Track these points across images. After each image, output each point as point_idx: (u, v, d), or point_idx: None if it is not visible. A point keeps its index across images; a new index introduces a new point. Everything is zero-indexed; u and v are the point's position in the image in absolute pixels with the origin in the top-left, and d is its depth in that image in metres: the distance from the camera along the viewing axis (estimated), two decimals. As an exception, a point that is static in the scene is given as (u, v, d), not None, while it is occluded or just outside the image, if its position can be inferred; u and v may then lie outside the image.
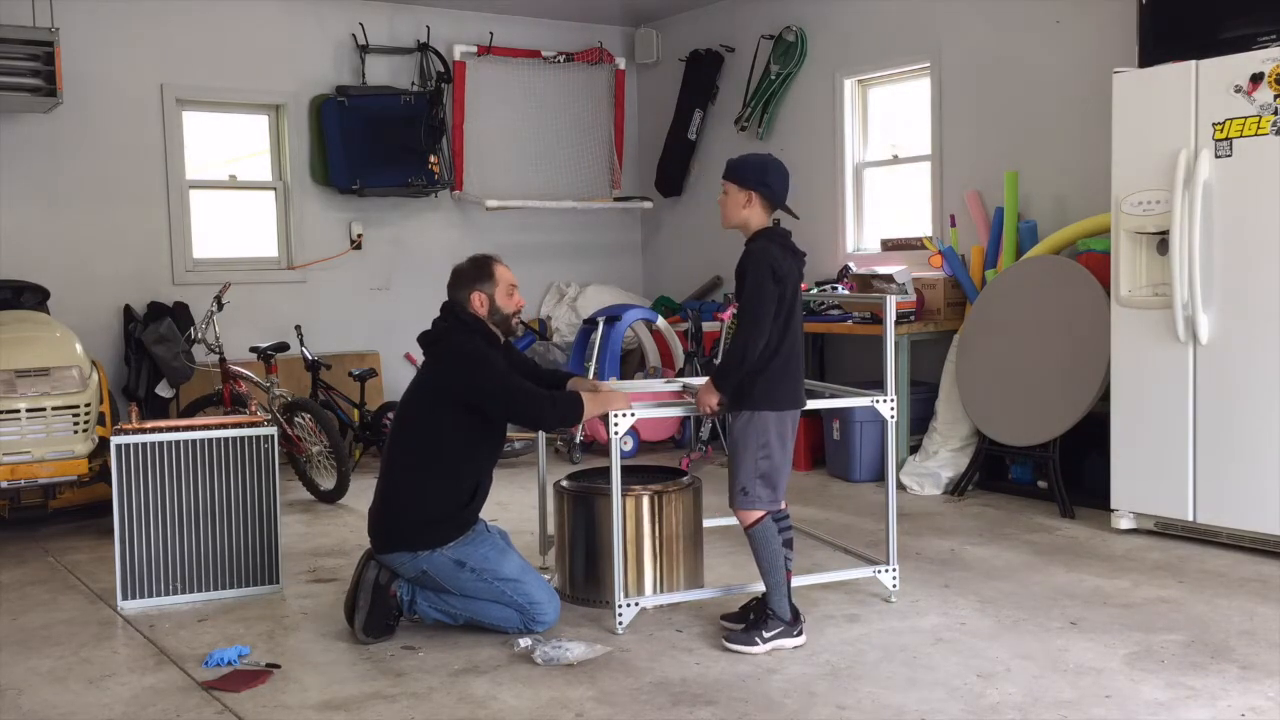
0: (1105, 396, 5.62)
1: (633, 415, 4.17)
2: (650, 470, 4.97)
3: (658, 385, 5.86)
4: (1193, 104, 5.07)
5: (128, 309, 7.69)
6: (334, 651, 4.07)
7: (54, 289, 7.09)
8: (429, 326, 4.35)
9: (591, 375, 7.77)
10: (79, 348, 6.12)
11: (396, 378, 8.63)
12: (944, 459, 6.55)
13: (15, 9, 7.08)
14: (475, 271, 4.30)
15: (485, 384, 4.15)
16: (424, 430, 4.19)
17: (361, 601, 4.10)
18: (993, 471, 6.48)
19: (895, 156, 8.02)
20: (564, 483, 4.71)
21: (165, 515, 4.67)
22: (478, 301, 4.26)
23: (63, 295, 7.19)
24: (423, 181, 8.43)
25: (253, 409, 6.50)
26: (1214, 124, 5.00)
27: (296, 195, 8.36)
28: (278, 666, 3.90)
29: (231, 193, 8.39)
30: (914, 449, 6.80)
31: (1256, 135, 4.87)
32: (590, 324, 8.15)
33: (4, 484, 5.63)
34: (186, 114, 8.04)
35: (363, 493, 6.77)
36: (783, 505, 4.16)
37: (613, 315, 8.15)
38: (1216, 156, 5.00)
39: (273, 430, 4.84)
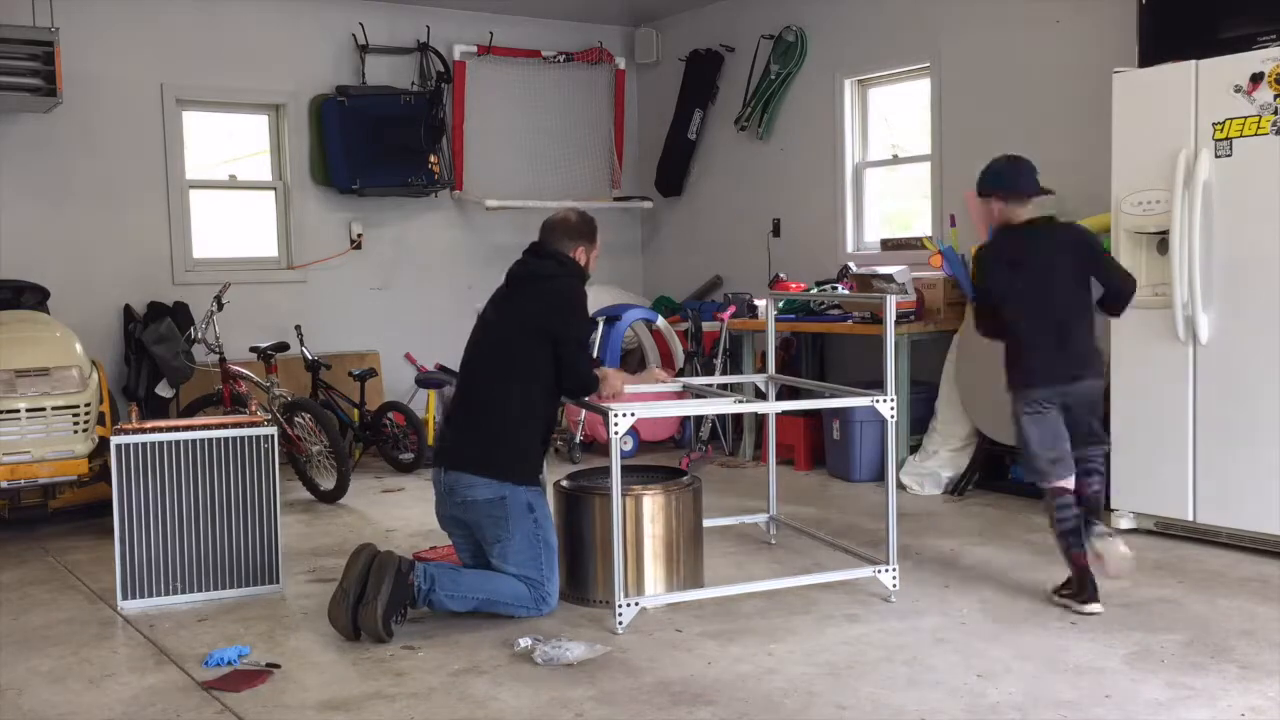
0: (1105, 396, 5.61)
1: (633, 415, 4.17)
2: (650, 470, 4.97)
3: (658, 386, 5.86)
4: (1193, 104, 5.07)
5: (128, 309, 7.69)
6: (334, 651, 4.07)
7: (54, 289, 7.09)
8: (518, 261, 4.52)
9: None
10: (79, 348, 6.12)
11: (396, 378, 8.64)
12: (944, 459, 6.55)
13: (15, 9, 7.08)
14: (587, 228, 4.57)
15: (575, 332, 4.40)
16: (521, 350, 4.34)
17: (384, 589, 4.06)
18: (993, 471, 6.48)
19: (895, 156, 8.02)
20: (564, 483, 4.71)
21: (165, 515, 4.67)
22: (581, 255, 4.53)
23: (63, 295, 7.18)
24: (423, 181, 8.44)
25: (253, 409, 6.49)
26: (1214, 124, 5.00)
27: (296, 195, 8.37)
28: (278, 666, 3.90)
29: (231, 193, 8.40)
30: (914, 449, 6.80)
31: (1256, 135, 4.87)
32: (590, 323, 8.14)
33: (4, 484, 5.63)
34: (186, 114, 8.05)
35: (363, 493, 6.80)
36: None
37: (613, 315, 8.15)
38: (1216, 156, 5.00)
39: (273, 430, 4.84)
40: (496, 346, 4.43)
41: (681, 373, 8.02)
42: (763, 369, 6.03)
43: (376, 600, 4.05)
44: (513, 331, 4.39)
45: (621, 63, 9.55)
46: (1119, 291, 4.44)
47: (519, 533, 4.27)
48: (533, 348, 4.34)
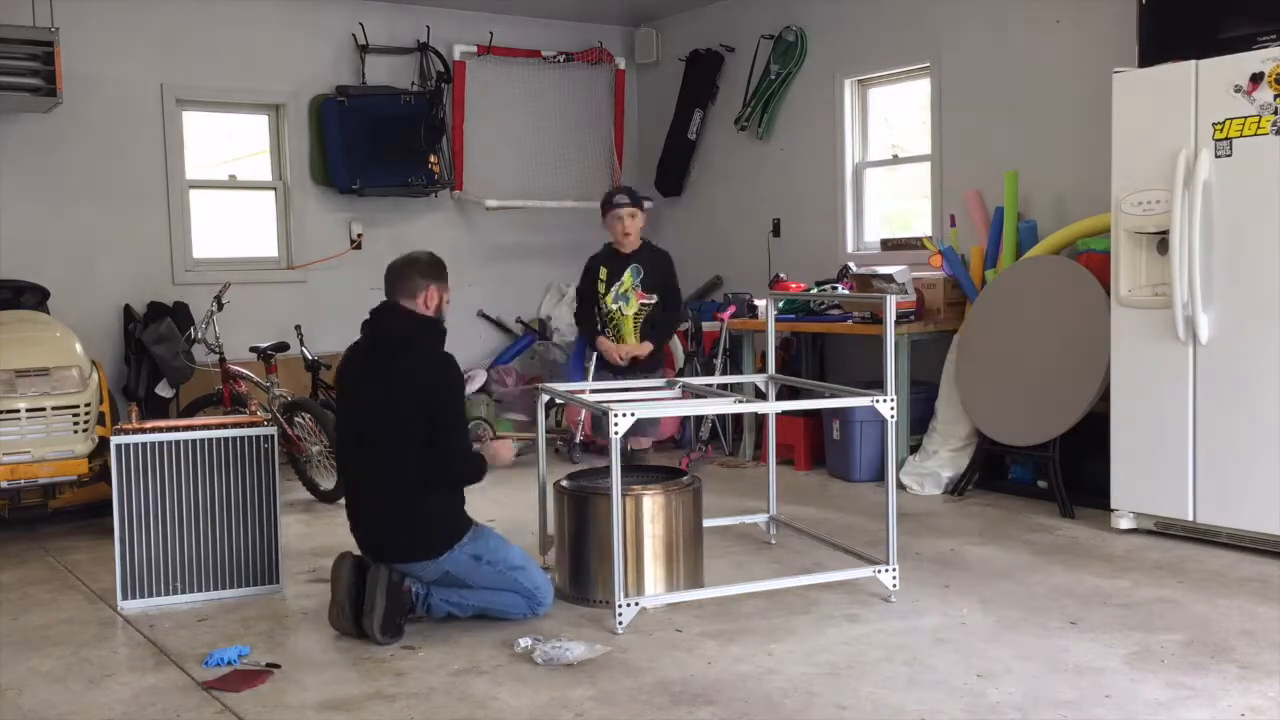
0: (1105, 396, 5.62)
1: (633, 416, 4.17)
2: (650, 470, 4.97)
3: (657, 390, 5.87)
4: (1193, 104, 5.07)
5: (128, 309, 7.69)
6: (334, 651, 4.07)
7: (54, 289, 7.09)
8: (366, 331, 4.30)
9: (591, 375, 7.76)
10: (79, 348, 6.12)
11: (396, 378, 8.62)
12: (944, 459, 6.54)
13: (15, 9, 7.08)
14: (436, 269, 4.32)
15: (456, 411, 4.23)
16: (417, 433, 4.14)
17: (378, 603, 4.07)
18: (993, 471, 6.48)
19: (895, 156, 8.02)
20: (564, 483, 4.71)
21: (165, 515, 4.67)
22: (435, 295, 4.28)
23: (63, 295, 7.19)
24: (423, 181, 8.44)
25: (253, 409, 6.50)
26: (1214, 124, 5.00)
27: (296, 195, 8.37)
28: (278, 666, 3.90)
29: (231, 193, 8.39)
30: (914, 449, 6.80)
31: (1256, 135, 4.86)
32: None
33: (4, 484, 5.63)
34: (186, 114, 8.04)
35: (363, 493, 6.79)
36: None
37: (613, 315, 8.14)
38: (1216, 156, 5.00)
39: (273, 430, 4.84)
40: (376, 438, 4.16)
41: (681, 373, 8.02)
42: (763, 369, 6.03)
43: (372, 615, 4.06)
44: (389, 407, 4.14)
45: (621, 63, 9.55)
46: None
47: (481, 580, 4.25)
48: (413, 418, 4.12)
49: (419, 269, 4.28)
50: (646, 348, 5.70)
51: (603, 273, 5.73)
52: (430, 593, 4.21)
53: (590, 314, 5.80)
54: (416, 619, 4.27)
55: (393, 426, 4.14)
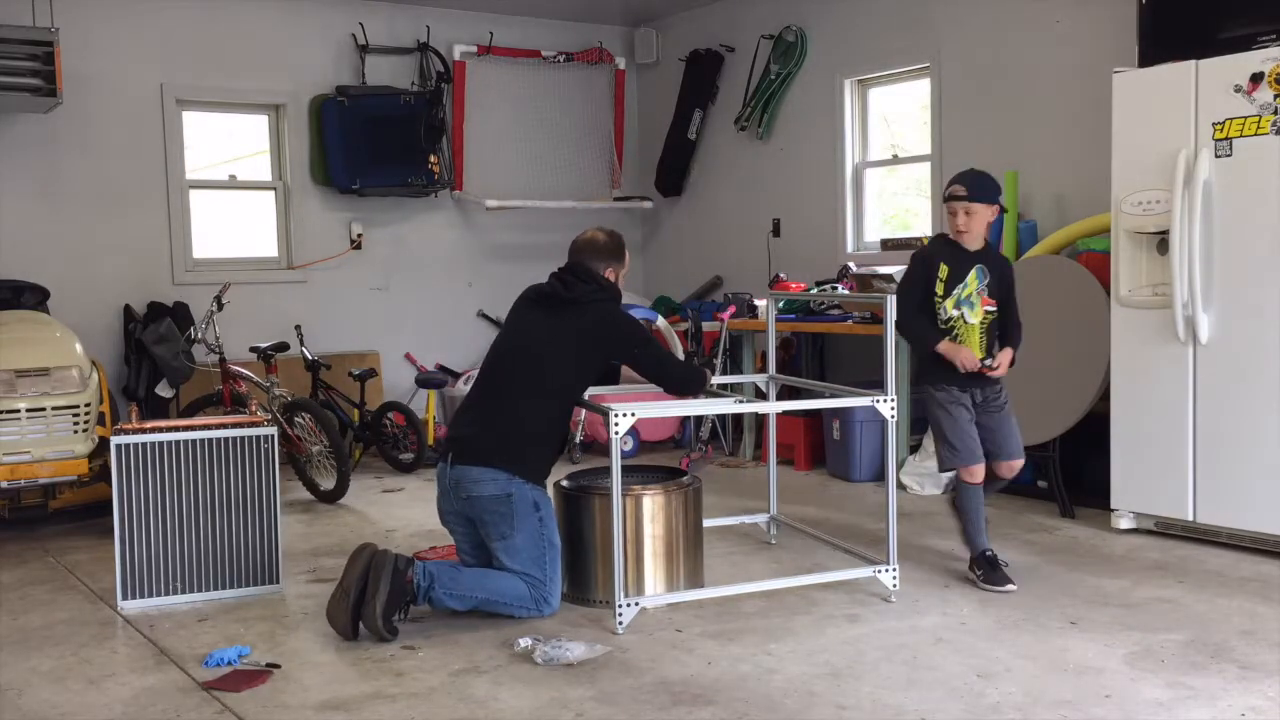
0: (1105, 396, 5.62)
1: (633, 415, 4.17)
2: (650, 470, 4.97)
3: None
4: (1193, 104, 5.07)
5: (128, 309, 7.70)
6: (334, 651, 4.07)
7: (54, 289, 7.09)
8: (553, 282, 4.57)
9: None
10: (79, 348, 6.12)
11: (396, 378, 8.64)
12: (944, 459, 6.54)
13: (15, 9, 7.08)
14: (616, 249, 4.66)
15: (640, 345, 4.53)
16: (554, 369, 4.39)
17: (381, 587, 4.06)
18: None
19: (895, 156, 8.02)
20: (564, 482, 4.71)
21: (165, 515, 4.67)
22: (611, 275, 4.61)
23: (63, 295, 7.19)
24: (423, 181, 8.44)
25: (253, 409, 6.49)
26: (1214, 124, 5.00)
27: (296, 195, 8.37)
28: (278, 666, 3.90)
29: (231, 193, 8.40)
30: (914, 449, 6.80)
31: (1256, 135, 4.87)
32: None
33: (4, 484, 5.63)
34: (186, 114, 8.05)
35: (363, 493, 6.79)
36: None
37: (613, 315, 8.14)
38: (1216, 156, 5.00)
39: (273, 430, 4.84)
40: (530, 360, 4.43)
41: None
42: (763, 369, 6.03)
43: (375, 600, 4.05)
44: (550, 350, 4.41)
45: (621, 63, 9.56)
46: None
47: (523, 530, 4.28)
48: (566, 369, 4.41)
49: (596, 250, 4.61)
50: (1008, 355, 4.76)
51: (943, 270, 4.71)
52: (432, 584, 4.19)
53: (918, 314, 4.75)
54: (418, 615, 4.27)
55: (555, 357, 4.40)
